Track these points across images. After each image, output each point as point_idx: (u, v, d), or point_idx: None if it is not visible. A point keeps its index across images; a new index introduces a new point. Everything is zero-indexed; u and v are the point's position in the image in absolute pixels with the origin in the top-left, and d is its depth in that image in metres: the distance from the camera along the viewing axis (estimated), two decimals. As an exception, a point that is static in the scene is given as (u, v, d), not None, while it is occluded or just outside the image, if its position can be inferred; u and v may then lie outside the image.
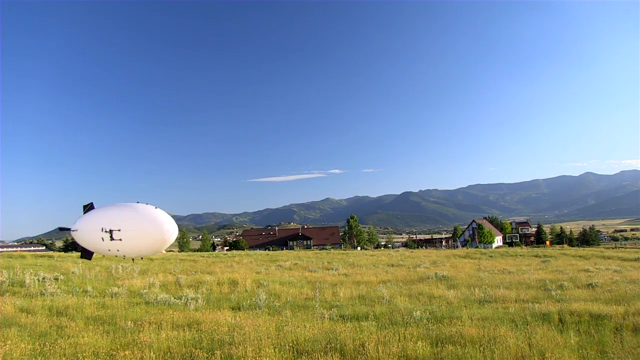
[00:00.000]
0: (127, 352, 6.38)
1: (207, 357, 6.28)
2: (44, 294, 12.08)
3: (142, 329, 8.03)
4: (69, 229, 8.96)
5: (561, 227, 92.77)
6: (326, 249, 62.63)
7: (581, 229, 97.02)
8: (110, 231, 7.62)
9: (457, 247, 71.96)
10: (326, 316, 9.39)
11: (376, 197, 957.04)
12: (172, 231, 7.63)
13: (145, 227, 7.63)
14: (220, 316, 9.27)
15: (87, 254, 8.98)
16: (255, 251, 56.28)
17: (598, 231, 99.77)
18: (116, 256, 8.32)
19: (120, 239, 7.60)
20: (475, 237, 76.72)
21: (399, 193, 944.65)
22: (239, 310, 10.51)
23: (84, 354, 6.33)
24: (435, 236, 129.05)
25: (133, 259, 8.68)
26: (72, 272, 18.87)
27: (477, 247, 64.54)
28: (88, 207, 8.87)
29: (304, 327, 8.05)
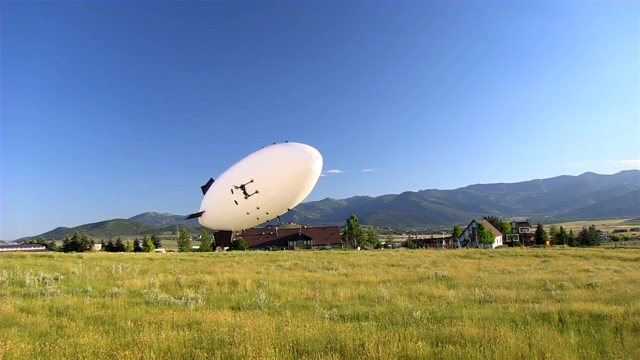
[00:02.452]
0: (127, 352, 6.37)
1: (207, 357, 6.28)
2: (44, 294, 12.08)
3: (142, 329, 8.03)
4: (198, 214, 8.22)
5: (561, 227, 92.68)
6: (326, 249, 62.63)
7: (581, 229, 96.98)
8: (242, 186, 6.62)
9: (457, 247, 71.94)
10: (326, 316, 9.38)
11: (376, 197, 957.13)
12: (316, 155, 6.34)
13: (282, 162, 6.45)
14: (220, 316, 9.27)
15: (224, 238, 8.20)
16: (255, 251, 56.29)
17: (598, 231, 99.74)
18: (258, 219, 7.25)
19: (257, 191, 6.58)
20: (475, 237, 76.68)
21: (399, 193, 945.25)
22: (239, 310, 10.51)
23: (84, 354, 6.32)
24: (435, 236, 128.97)
25: (279, 217, 7.46)
26: (72, 272, 18.88)
27: (477, 247, 64.53)
28: (208, 184, 8.05)
29: (304, 327, 8.05)
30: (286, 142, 6.54)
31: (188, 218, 8.85)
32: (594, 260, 27.83)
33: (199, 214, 8.16)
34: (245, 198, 6.71)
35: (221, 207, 7.40)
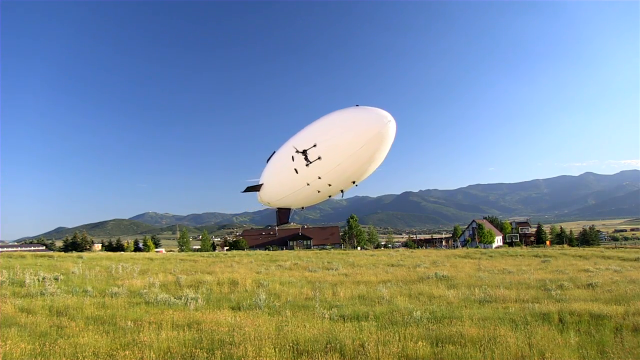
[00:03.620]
0: (127, 352, 6.37)
1: (207, 357, 6.28)
2: (44, 294, 12.08)
3: (142, 329, 8.03)
4: (256, 187, 7.48)
5: (561, 227, 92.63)
6: (326, 249, 62.63)
7: (581, 229, 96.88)
8: (304, 152, 5.82)
9: (457, 247, 71.95)
10: (326, 316, 9.39)
11: (376, 197, 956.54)
12: (389, 118, 5.43)
13: (349, 125, 5.59)
14: (220, 316, 9.27)
15: (283, 216, 7.47)
16: (255, 251, 56.28)
17: (598, 231, 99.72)
18: (319, 192, 6.34)
19: (319, 157, 5.72)
20: (475, 237, 76.67)
21: (399, 193, 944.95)
22: (239, 310, 10.51)
23: (84, 354, 6.32)
24: (435, 236, 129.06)
25: (342, 192, 6.44)
26: (72, 272, 18.88)
27: (477, 247, 64.53)
28: (270, 156, 7.37)
29: (304, 327, 8.05)
30: (357, 105, 5.78)
31: (245, 191, 7.86)
32: (594, 260, 27.82)
33: (258, 187, 7.39)
34: (307, 165, 5.89)
35: (281, 178, 6.63)
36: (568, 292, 12.74)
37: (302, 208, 7.43)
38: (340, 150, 5.62)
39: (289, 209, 7.62)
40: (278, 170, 6.73)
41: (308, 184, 6.15)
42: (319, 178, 5.90)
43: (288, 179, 6.35)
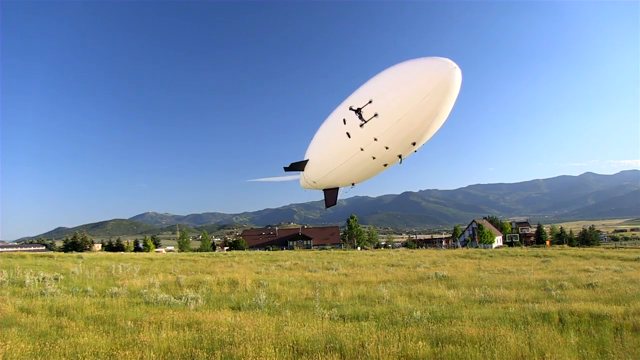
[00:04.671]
0: (127, 352, 6.37)
1: (207, 357, 6.28)
2: (44, 294, 12.08)
3: (142, 328, 8.02)
4: (300, 164, 6.80)
5: (561, 227, 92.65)
6: (326, 249, 62.61)
7: (581, 229, 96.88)
8: (358, 110, 5.17)
9: (457, 247, 71.93)
10: (326, 316, 9.38)
11: (376, 197, 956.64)
12: (454, 65, 4.81)
13: (410, 75, 4.92)
14: (220, 316, 9.27)
15: (330, 197, 6.85)
16: (255, 251, 56.27)
17: (598, 231, 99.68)
18: (374, 158, 5.60)
19: (376, 114, 5.06)
20: (475, 237, 76.67)
21: (399, 193, 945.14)
22: (239, 310, 10.50)
23: (84, 354, 6.32)
24: (435, 236, 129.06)
25: (400, 158, 5.66)
26: (72, 272, 18.87)
27: (477, 247, 64.52)
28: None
29: (304, 327, 8.05)
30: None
31: (287, 169, 7.08)
32: (594, 260, 27.81)
33: (302, 164, 6.67)
34: (361, 126, 5.17)
35: (330, 147, 5.92)
36: (568, 292, 12.73)
37: (353, 185, 6.68)
38: (400, 103, 4.92)
39: (337, 189, 6.96)
40: (326, 139, 6.03)
41: (362, 149, 5.45)
42: (375, 140, 5.21)
43: (339, 146, 5.70)
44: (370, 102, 5.12)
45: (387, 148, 5.46)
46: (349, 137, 5.50)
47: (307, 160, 6.73)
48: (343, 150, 5.75)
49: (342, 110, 5.61)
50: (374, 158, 5.68)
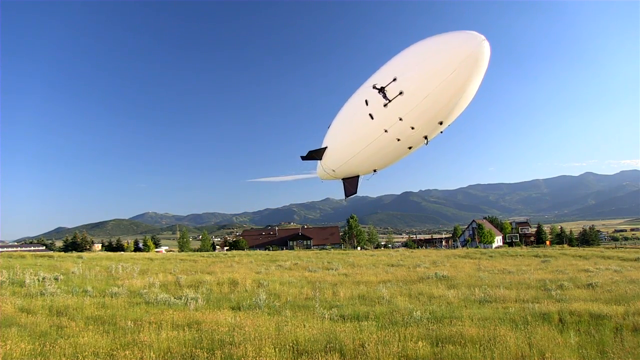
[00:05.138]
0: (127, 352, 6.37)
1: (207, 357, 6.27)
2: (44, 294, 12.07)
3: (142, 329, 8.02)
4: (318, 152, 6.42)
5: (561, 227, 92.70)
6: (326, 249, 62.61)
7: (581, 229, 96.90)
8: (382, 89, 4.90)
9: (457, 247, 71.94)
10: (326, 316, 9.38)
11: (376, 197, 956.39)
12: (483, 37, 4.59)
13: (436, 49, 4.70)
14: (220, 316, 9.26)
15: (351, 186, 6.49)
16: (255, 251, 56.26)
17: (598, 231, 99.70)
18: (398, 140, 5.25)
19: (401, 92, 4.81)
20: (475, 237, 76.68)
21: (399, 193, 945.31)
22: (239, 310, 10.50)
23: (84, 354, 6.32)
24: (435, 236, 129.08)
25: (426, 139, 5.40)
26: (72, 272, 18.87)
27: (477, 247, 64.52)
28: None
29: (304, 327, 8.05)
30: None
31: (305, 158, 6.72)
32: (594, 260, 27.81)
33: (320, 152, 6.31)
34: (385, 106, 4.91)
35: (351, 131, 5.61)
36: (568, 292, 12.73)
37: (374, 171, 6.34)
38: (426, 79, 4.69)
39: (357, 177, 6.61)
40: (347, 123, 5.75)
41: (386, 131, 5.18)
42: (400, 120, 4.96)
43: (360, 129, 5.43)
44: (394, 80, 4.87)
45: (412, 128, 5.22)
46: (372, 118, 5.23)
47: (325, 148, 6.38)
48: (365, 133, 5.48)
49: (364, 91, 5.34)
50: (398, 140, 5.41)
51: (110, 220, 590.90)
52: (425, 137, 5.42)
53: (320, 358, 6.23)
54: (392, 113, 5.05)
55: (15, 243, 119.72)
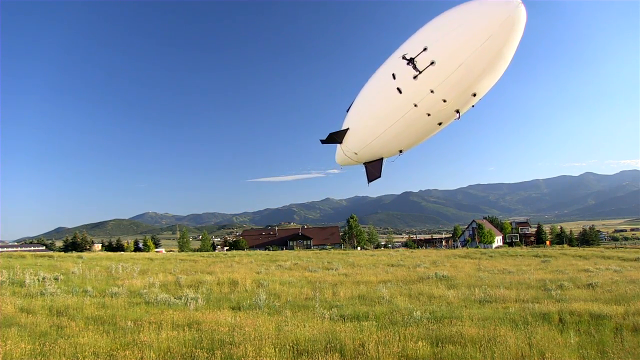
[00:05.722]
0: (127, 352, 6.37)
1: (207, 357, 6.27)
2: (44, 294, 12.07)
3: (142, 329, 8.02)
4: (338, 135, 6.00)
5: (561, 227, 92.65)
6: (326, 249, 62.62)
7: (581, 229, 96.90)
8: (411, 60, 4.58)
9: (457, 247, 71.95)
10: (326, 316, 9.38)
11: (376, 197, 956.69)
12: (519, 1, 4.37)
13: (468, 14, 4.42)
14: (221, 316, 9.27)
15: (374, 169, 6.10)
16: (255, 251, 56.27)
17: (598, 231, 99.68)
18: (428, 115, 4.94)
19: (432, 62, 4.51)
20: (475, 237, 76.68)
21: (399, 193, 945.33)
22: (239, 310, 10.50)
23: (84, 354, 6.32)
24: (435, 236, 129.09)
25: (458, 113, 5.08)
26: (72, 272, 18.87)
27: (477, 247, 64.53)
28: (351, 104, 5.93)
29: (304, 327, 8.05)
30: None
31: (325, 142, 6.34)
32: (594, 260, 27.81)
33: (341, 135, 5.95)
34: (415, 78, 4.59)
35: (376, 109, 5.28)
36: (568, 292, 12.73)
37: (400, 152, 5.98)
38: (460, 47, 4.39)
39: (381, 159, 6.21)
40: (372, 100, 5.42)
41: (415, 105, 4.87)
42: (432, 92, 4.65)
43: (387, 106, 5.11)
44: (425, 49, 4.56)
45: (444, 101, 4.90)
46: (400, 92, 4.90)
47: (346, 130, 5.99)
48: (393, 109, 5.15)
49: (391, 64, 5.03)
50: (428, 115, 5.08)
51: (110, 220, 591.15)
52: (457, 111, 5.12)
53: (320, 358, 6.23)
54: (422, 85, 4.75)
55: (15, 243, 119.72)
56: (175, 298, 11.65)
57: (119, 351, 6.47)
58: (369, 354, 6.35)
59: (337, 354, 6.42)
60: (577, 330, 7.96)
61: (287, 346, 6.70)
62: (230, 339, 7.08)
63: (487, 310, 10.09)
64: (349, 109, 6.22)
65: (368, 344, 6.67)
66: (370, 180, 6.55)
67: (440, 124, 5.44)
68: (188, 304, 10.94)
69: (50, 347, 6.59)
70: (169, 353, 6.52)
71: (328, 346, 6.72)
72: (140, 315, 9.38)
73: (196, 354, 6.38)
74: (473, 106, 5.26)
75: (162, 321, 8.65)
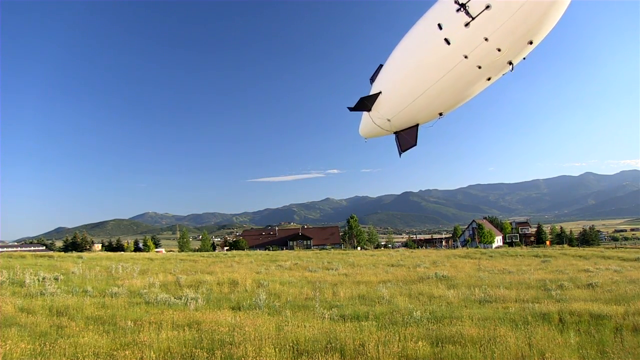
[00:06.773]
0: (127, 352, 6.37)
1: (207, 357, 6.27)
2: (44, 294, 12.07)
3: (142, 329, 8.02)
4: (368, 100, 5.40)
5: (561, 227, 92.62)
6: (326, 249, 62.61)
7: (581, 229, 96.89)
8: (463, 5, 4.08)
9: (457, 247, 71.94)
10: (326, 316, 9.38)
11: (376, 197, 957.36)
12: None
13: None
14: (221, 316, 9.26)
15: (408, 137, 5.43)
16: (255, 251, 56.25)
17: (598, 231, 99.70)
18: (479, 68, 4.53)
19: (488, 6, 4.00)
20: (475, 237, 76.68)
21: (399, 193, 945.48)
22: (239, 310, 10.50)
23: (84, 354, 6.32)
24: (435, 236, 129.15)
25: (511, 64, 4.61)
26: (72, 272, 18.87)
27: (477, 247, 64.52)
28: (378, 70, 5.48)
29: (304, 327, 8.04)
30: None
31: (354, 109, 5.74)
32: (594, 260, 27.81)
33: (371, 100, 5.34)
34: (467, 25, 4.09)
35: (418, 65, 4.73)
36: (568, 292, 12.73)
37: (440, 115, 5.39)
38: None
39: (416, 126, 5.57)
40: (412, 55, 4.82)
41: (466, 57, 4.36)
42: (486, 40, 4.16)
43: (432, 60, 4.55)
44: None
45: (499, 50, 4.39)
46: (448, 44, 4.39)
47: (378, 94, 5.34)
48: (439, 64, 4.60)
49: (435, 15, 4.52)
50: (479, 68, 4.59)
51: (110, 220, 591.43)
52: (510, 63, 4.63)
53: (320, 358, 6.23)
54: (475, 33, 4.22)
55: (15, 243, 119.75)
56: (175, 298, 11.65)
57: (119, 351, 6.47)
58: (369, 354, 6.35)
59: (337, 354, 6.42)
60: (577, 330, 7.96)
61: (287, 346, 6.70)
62: (230, 339, 7.08)
63: (487, 310, 10.09)
64: (373, 78, 5.61)
65: (368, 344, 6.67)
66: (404, 149, 5.89)
67: (489, 79, 4.95)
68: (188, 304, 10.94)
69: (50, 347, 6.59)
70: (169, 353, 6.52)
71: (328, 346, 6.72)
72: (140, 315, 9.38)
73: (196, 354, 6.38)
74: (524, 58, 4.76)
75: (162, 321, 8.64)
